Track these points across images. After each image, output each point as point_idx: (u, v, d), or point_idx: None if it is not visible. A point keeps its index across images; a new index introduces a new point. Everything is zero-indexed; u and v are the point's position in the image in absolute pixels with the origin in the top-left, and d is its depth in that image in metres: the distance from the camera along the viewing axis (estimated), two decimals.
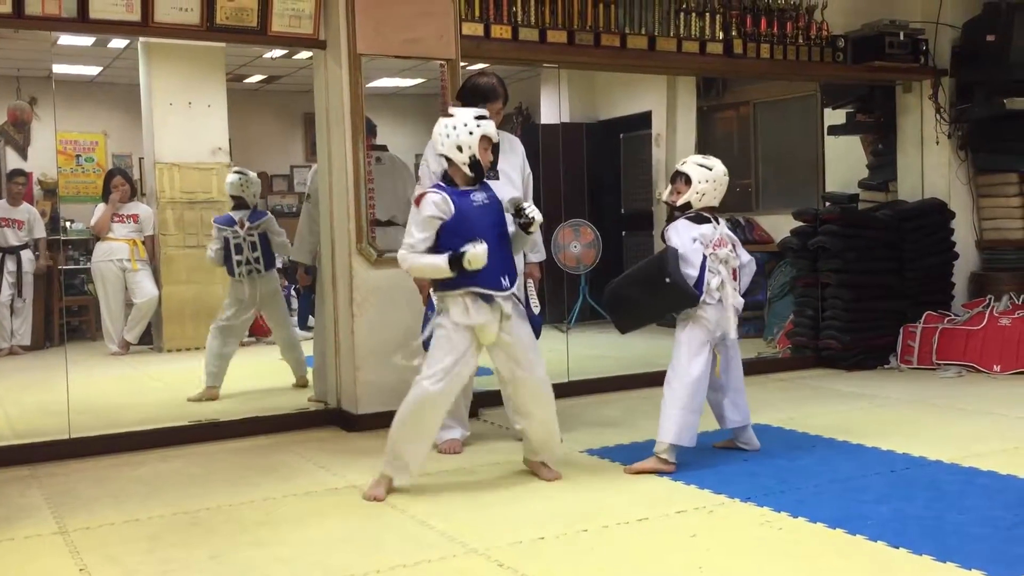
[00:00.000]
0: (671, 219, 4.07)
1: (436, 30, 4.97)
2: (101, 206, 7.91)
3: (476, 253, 3.53)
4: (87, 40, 7.28)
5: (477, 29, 5.19)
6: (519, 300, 3.82)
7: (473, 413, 4.74)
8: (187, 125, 8.02)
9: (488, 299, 3.66)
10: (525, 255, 4.52)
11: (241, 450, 4.59)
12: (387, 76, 7.47)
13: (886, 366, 6.38)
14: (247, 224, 5.91)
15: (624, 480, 3.84)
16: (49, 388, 5.39)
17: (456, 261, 3.55)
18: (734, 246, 4.06)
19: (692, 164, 4.04)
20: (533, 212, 3.72)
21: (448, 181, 3.75)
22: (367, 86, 4.91)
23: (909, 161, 7.03)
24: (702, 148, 8.53)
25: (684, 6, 5.88)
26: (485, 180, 3.80)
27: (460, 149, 3.67)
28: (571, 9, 5.47)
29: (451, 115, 3.76)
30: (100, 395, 5.77)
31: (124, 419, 5.16)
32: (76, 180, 9.23)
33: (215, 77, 8.19)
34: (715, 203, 4.05)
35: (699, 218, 4.01)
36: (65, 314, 8.08)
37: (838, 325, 6.38)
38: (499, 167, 4.41)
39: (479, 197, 3.73)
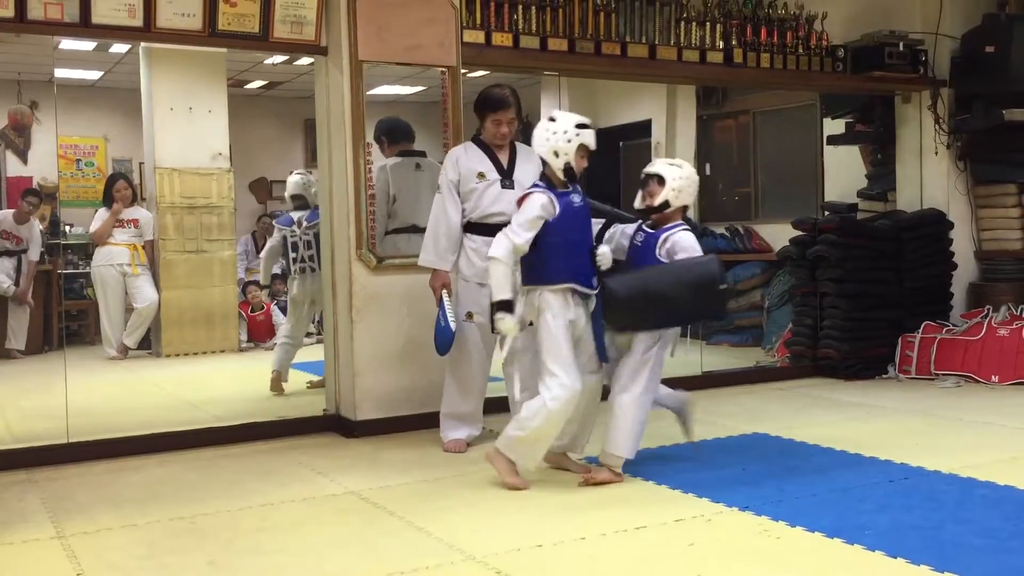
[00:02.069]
0: (652, 225, 3.98)
1: (437, 37, 4.98)
2: (102, 212, 7.91)
3: (508, 327, 3.70)
4: (89, 45, 7.30)
5: (478, 36, 5.20)
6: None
7: None
8: (188, 130, 8.03)
9: (583, 296, 3.79)
10: None
11: (239, 456, 4.58)
12: (388, 84, 7.49)
13: (884, 376, 6.38)
14: (304, 224, 6.07)
15: (623, 488, 3.84)
16: (48, 392, 5.38)
17: (502, 307, 3.68)
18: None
19: (661, 164, 4.00)
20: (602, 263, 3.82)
21: (546, 180, 3.83)
22: (368, 94, 4.92)
23: (908, 171, 7.03)
24: (702, 157, 8.55)
25: (685, 15, 5.89)
26: (577, 183, 3.87)
27: (556, 155, 3.75)
28: (572, 17, 5.48)
29: (553, 119, 3.80)
30: (99, 400, 5.76)
31: (122, 424, 5.15)
32: (76, 184, 9.25)
33: (216, 82, 8.20)
34: (689, 202, 4.00)
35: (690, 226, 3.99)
36: (64, 318, 8.08)
37: (836, 334, 6.38)
38: (515, 177, 4.47)
39: (576, 199, 3.84)
